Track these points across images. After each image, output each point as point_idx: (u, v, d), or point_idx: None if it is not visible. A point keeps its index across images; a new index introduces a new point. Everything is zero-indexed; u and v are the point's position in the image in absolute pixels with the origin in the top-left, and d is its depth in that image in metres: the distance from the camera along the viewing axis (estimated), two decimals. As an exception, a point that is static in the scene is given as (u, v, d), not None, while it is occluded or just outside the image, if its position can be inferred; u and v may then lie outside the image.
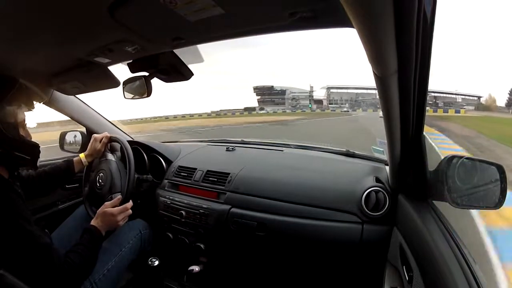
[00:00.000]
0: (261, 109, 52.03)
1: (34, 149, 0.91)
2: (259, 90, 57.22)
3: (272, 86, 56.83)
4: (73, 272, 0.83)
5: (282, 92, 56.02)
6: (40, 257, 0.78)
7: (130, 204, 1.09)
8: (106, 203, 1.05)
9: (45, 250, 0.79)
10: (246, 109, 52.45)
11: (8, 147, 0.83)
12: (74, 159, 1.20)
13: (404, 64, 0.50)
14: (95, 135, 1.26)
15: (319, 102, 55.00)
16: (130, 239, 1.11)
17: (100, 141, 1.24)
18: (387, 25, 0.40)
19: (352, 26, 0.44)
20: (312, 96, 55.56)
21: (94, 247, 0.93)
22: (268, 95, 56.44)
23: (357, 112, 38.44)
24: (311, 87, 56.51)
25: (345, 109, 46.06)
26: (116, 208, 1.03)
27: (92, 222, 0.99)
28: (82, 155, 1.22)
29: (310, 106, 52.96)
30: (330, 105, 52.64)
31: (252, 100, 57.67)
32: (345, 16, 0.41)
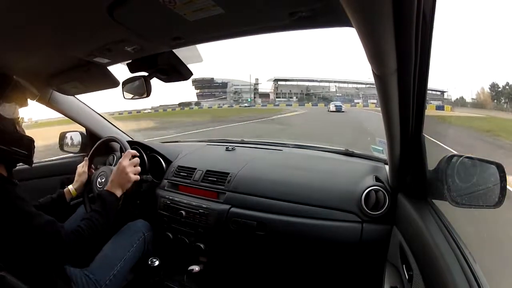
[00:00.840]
0: (197, 104, 46.87)
1: (30, 143, 0.92)
2: (198, 83, 50.16)
3: (213, 79, 50.38)
4: (82, 238, 0.85)
5: (224, 85, 50.08)
6: (45, 232, 0.79)
7: (134, 151, 1.09)
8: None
9: (47, 225, 0.81)
10: (180, 104, 46.68)
11: (7, 143, 0.84)
12: (64, 190, 1.18)
13: (404, 63, 0.50)
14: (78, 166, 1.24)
15: (265, 95, 49.08)
16: (134, 242, 1.12)
17: (82, 166, 1.22)
18: (386, 24, 0.40)
19: (351, 26, 0.44)
20: (257, 89, 49.46)
21: (107, 211, 0.94)
22: (208, 88, 50.29)
23: (304, 108, 32.37)
24: (256, 79, 50.26)
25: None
26: (121, 159, 1.04)
27: (106, 188, 1.00)
28: (70, 186, 1.19)
29: (249, 100, 46.60)
30: (277, 99, 46.96)
31: (193, 95, 51.25)
32: (345, 15, 0.41)
